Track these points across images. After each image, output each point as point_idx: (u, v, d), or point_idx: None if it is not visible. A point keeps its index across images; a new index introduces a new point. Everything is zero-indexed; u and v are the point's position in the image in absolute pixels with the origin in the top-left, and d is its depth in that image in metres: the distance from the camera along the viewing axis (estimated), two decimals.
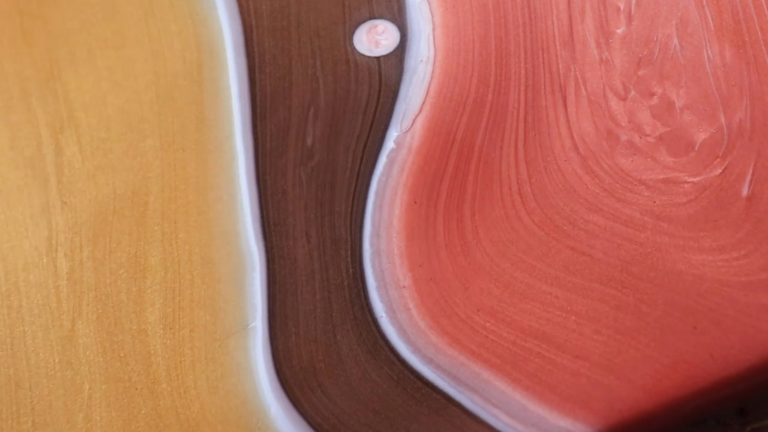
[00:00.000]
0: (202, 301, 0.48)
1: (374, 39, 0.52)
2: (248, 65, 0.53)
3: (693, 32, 0.49)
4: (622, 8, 0.50)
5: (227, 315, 0.48)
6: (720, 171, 0.47)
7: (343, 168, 0.50)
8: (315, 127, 0.50)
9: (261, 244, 0.49)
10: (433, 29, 0.52)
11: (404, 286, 0.47)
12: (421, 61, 0.51)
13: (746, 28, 0.49)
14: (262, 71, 0.53)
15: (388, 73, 0.52)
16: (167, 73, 0.53)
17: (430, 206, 0.48)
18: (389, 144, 0.49)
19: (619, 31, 0.50)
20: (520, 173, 0.48)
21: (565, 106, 0.49)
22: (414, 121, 0.50)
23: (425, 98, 0.50)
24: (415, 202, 0.48)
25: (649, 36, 0.50)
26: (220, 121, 0.52)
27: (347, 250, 0.48)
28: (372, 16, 0.53)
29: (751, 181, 0.47)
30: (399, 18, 0.53)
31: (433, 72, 0.51)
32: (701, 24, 0.49)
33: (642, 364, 0.45)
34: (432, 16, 0.52)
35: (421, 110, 0.50)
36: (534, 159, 0.49)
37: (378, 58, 0.52)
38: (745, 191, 0.47)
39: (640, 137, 0.48)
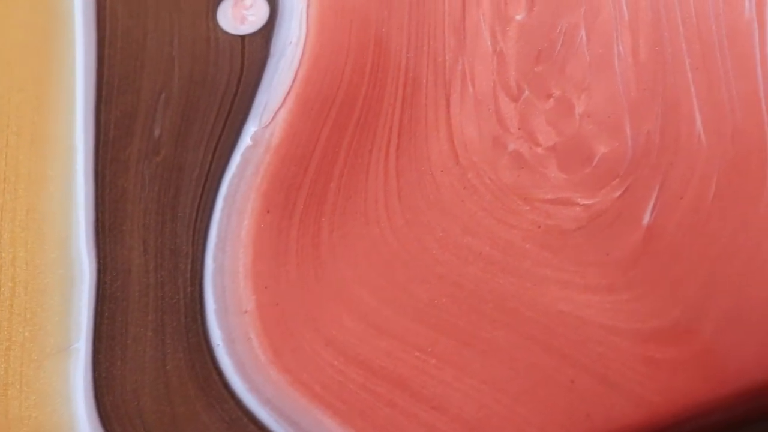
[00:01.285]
0: (23, 314, 0.41)
1: (240, 14, 0.43)
2: (97, 39, 0.44)
3: (603, 23, 0.40)
4: None
5: (49, 333, 0.41)
6: (619, 193, 0.38)
7: (192, 166, 0.41)
8: (165, 116, 0.42)
9: (93, 251, 0.41)
10: (308, 5, 0.43)
11: (246, 311, 0.39)
12: (291, 42, 0.42)
13: (666, 21, 0.39)
14: (112, 46, 0.44)
15: (252, 56, 0.43)
16: (7, 44, 0.44)
17: (284, 217, 0.39)
18: (245, 140, 0.41)
19: (518, 17, 0.41)
20: (389, 183, 0.40)
21: (448, 105, 0.40)
22: (276, 114, 0.41)
23: (291, 88, 0.42)
24: (268, 212, 0.40)
25: (553, 25, 0.40)
26: (61, 102, 0.43)
27: (187, 264, 0.40)
28: None
29: (654, 207, 0.38)
30: None
31: (302, 57, 0.42)
32: (614, 13, 0.40)
33: (507, 423, 0.37)
34: None
35: (284, 102, 0.41)
36: (407, 167, 0.40)
37: (243, 37, 0.43)
38: (646, 219, 0.38)
39: (531, 147, 0.39)
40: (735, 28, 0.39)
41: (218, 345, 0.40)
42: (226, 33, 0.44)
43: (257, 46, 0.44)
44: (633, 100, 0.40)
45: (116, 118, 0.44)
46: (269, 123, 0.42)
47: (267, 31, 0.44)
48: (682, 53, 0.40)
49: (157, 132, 0.43)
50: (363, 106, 0.42)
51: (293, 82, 0.42)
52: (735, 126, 0.39)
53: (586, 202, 0.39)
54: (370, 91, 0.42)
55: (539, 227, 0.39)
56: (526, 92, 0.41)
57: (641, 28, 0.40)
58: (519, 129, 0.41)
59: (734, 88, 0.39)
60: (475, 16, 0.42)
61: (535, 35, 0.41)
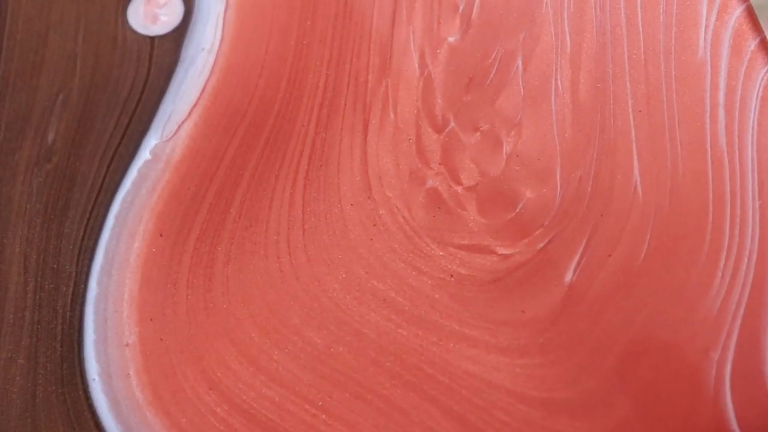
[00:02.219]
0: None
1: (152, 12, 0.38)
2: None
3: (543, 53, 0.35)
4: (461, 8, 0.36)
5: None
6: (542, 245, 0.34)
7: (85, 178, 0.36)
8: (61, 120, 0.37)
9: None
10: (225, 8, 0.38)
11: (128, 344, 0.34)
12: (203, 49, 0.37)
13: (612, 57, 0.34)
14: (11, 37, 0.39)
15: (160, 60, 0.38)
16: None
17: (177, 243, 0.35)
18: (144, 154, 0.36)
19: (451, 39, 0.36)
20: (293, 213, 0.35)
21: (365, 131, 0.35)
22: (179, 127, 0.36)
23: (198, 99, 0.37)
24: (161, 235, 0.35)
25: (487, 51, 0.35)
26: None
27: (69, 286, 0.36)
28: None
29: (578, 264, 0.33)
30: None
31: (214, 65, 0.37)
32: (555, 43, 0.35)
33: None
34: None
35: (189, 114, 0.36)
36: (314, 197, 0.35)
37: (153, 38, 0.39)
38: (568, 276, 0.33)
39: (450, 186, 0.34)
40: (686, 69, 0.34)
41: (94, 380, 0.36)
42: (135, 32, 0.39)
43: (167, 50, 0.39)
44: (567, 141, 0.35)
45: (8, 118, 0.39)
46: (172, 136, 0.37)
47: (179, 33, 0.39)
48: (626, 94, 0.35)
49: (50, 137, 0.39)
50: (274, 126, 0.37)
51: (201, 93, 0.38)
52: (675, 179, 0.34)
53: (504, 251, 0.35)
54: (283, 109, 0.37)
55: (451, 276, 0.34)
56: (452, 124, 0.36)
57: (584, 61, 0.35)
58: (440, 164, 0.36)
59: (679, 136, 0.34)
60: (405, 33, 0.36)
61: (467, 61, 0.36)
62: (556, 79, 0.36)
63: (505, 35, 0.37)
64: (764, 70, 0.34)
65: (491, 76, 0.37)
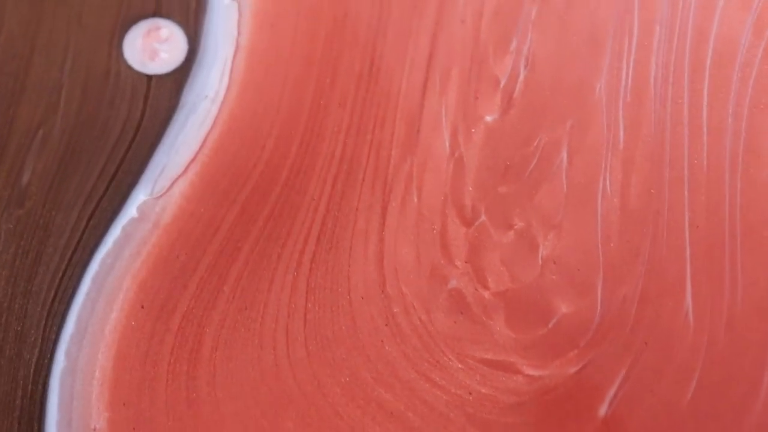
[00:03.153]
0: None
1: (152, 47, 0.33)
2: None
3: (592, 146, 0.30)
4: (502, 83, 0.30)
5: None
6: (575, 369, 0.28)
7: (61, 230, 0.31)
8: (39, 159, 0.32)
9: None
10: (235, 52, 0.32)
11: (95, 429, 0.28)
12: (206, 96, 0.32)
13: (670, 160, 0.29)
14: None
15: (157, 103, 0.33)
16: None
17: (160, 318, 0.29)
18: (130, 210, 0.31)
19: (489, 117, 0.30)
20: (295, 300, 0.30)
21: (384, 214, 0.30)
22: (173, 184, 0.31)
23: (197, 153, 0.31)
24: (143, 307, 0.29)
25: (529, 136, 0.30)
26: None
27: (33, 354, 0.31)
28: (158, 13, 0.33)
29: (615, 396, 0.28)
30: (193, 24, 0.33)
31: (217, 116, 0.32)
32: (607, 136, 0.30)
33: None
34: (238, 33, 0.32)
35: (186, 170, 0.31)
36: (320, 284, 0.30)
37: (150, 76, 0.33)
38: (603, 410, 0.28)
39: (476, 289, 0.29)
40: (753, 183, 0.29)
41: None
42: (130, 68, 0.33)
43: (165, 92, 0.33)
44: (612, 252, 0.29)
45: None
46: (163, 194, 0.32)
47: (181, 75, 0.33)
48: (683, 204, 0.29)
49: (25, 178, 0.33)
50: (280, 195, 0.31)
51: (201, 146, 0.32)
52: (734, 309, 0.29)
53: (532, 372, 0.29)
54: (293, 177, 0.31)
55: (470, 394, 0.29)
56: (483, 217, 0.30)
57: (637, 161, 0.30)
58: (466, 262, 0.30)
59: (740, 260, 0.29)
60: (436, 105, 0.31)
61: (506, 145, 0.31)
62: (604, 178, 0.31)
63: (550, 120, 0.31)
64: None
65: (531, 166, 0.31)
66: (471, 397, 0.30)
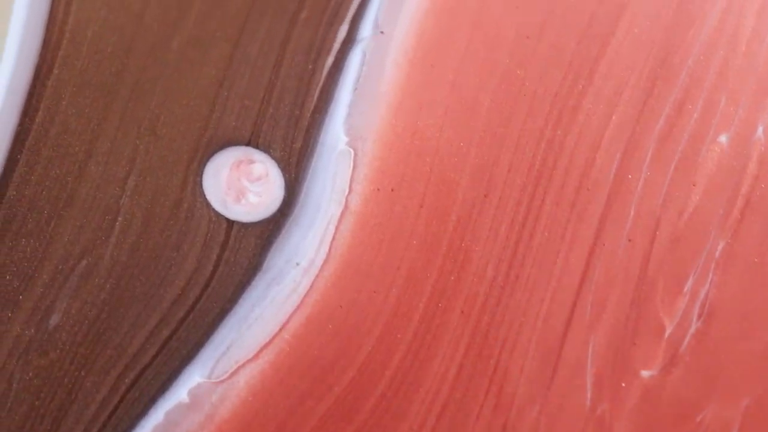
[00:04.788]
0: None
1: (239, 184, 0.25)
2: (15, 134, 0.25)
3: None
4: (668, 332, 0.23)
5: None
6: None
7: (89, 397, 0.25)
8: (75, 299, 0.26)
9: None
10: (342, 214, 0.24)
11: None
12: (297, 264, 0.24)
13: None
14: (35, 151, 0.25)
15: (234, 260, 0.25)
16: None
17: None
18: (180, 392, 0.23)
19: (646, 373, 0.24)
20: None
21: None
22: (238, 369, 0.23)
23: (274, 337, 0.24)
24: None
25: (693, 408, 0.24)
26: None
27: None
28: (254, 142, 0.24)
29: None
30: (294, 166, 0.25)
31: (307, 294, 0.25)
32: None
33: None
34: (349, 191, 0.24)
35: (257, 356, 0.23)
36: None
37: (231, 222, 0.24)
38: None
39: None
40: None
41: None
42: (208, 204, 0.25)
43: (247, 247, 0.25)
44: None
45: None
46: (224, 379, 0.24)
47: (269, 228, 0.25)
48: None
49: (54, 319, 0.25)
50: (372, 414, 0.23)
51: (281, 329, 0.25)
52: None
53: None
54: (390, 397, 0.24)
55: None
56: None
57: None
58: None
59: None
60: (582, 342, 0.23)
61: (663, 413, 0.24)
62: None
63: (722, 391, 0.24)
64: None
65: None
66: None
